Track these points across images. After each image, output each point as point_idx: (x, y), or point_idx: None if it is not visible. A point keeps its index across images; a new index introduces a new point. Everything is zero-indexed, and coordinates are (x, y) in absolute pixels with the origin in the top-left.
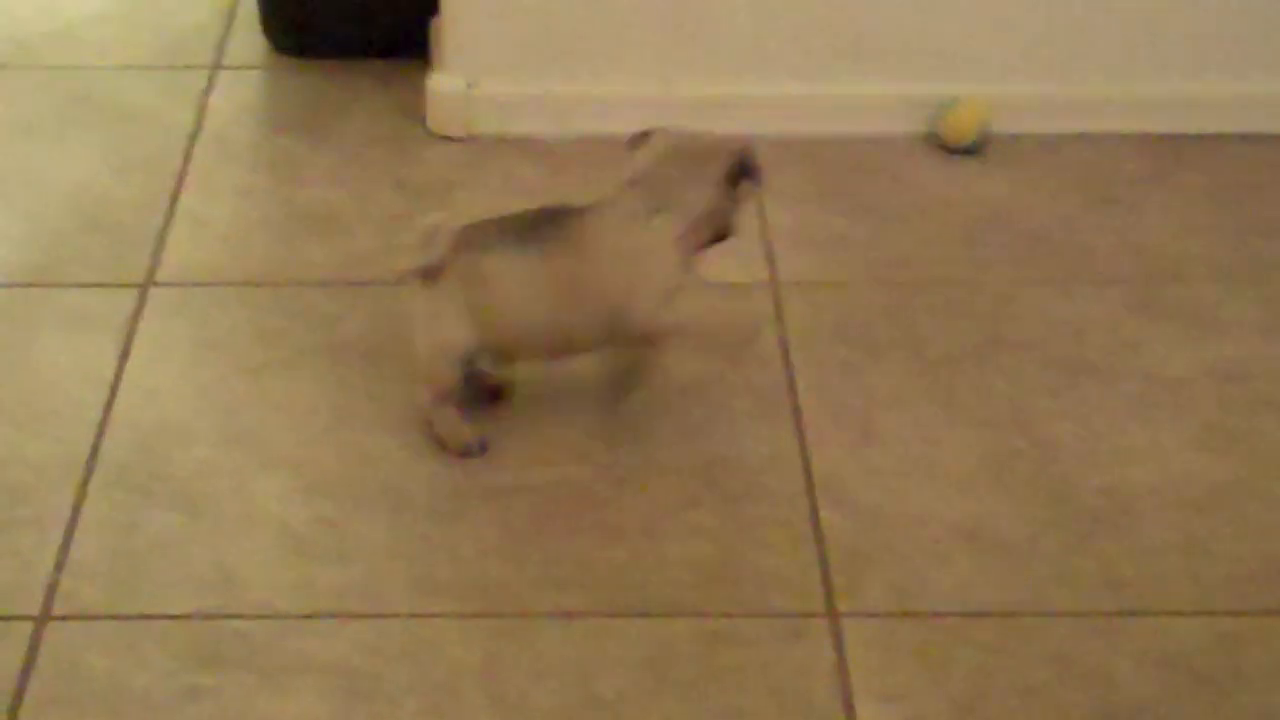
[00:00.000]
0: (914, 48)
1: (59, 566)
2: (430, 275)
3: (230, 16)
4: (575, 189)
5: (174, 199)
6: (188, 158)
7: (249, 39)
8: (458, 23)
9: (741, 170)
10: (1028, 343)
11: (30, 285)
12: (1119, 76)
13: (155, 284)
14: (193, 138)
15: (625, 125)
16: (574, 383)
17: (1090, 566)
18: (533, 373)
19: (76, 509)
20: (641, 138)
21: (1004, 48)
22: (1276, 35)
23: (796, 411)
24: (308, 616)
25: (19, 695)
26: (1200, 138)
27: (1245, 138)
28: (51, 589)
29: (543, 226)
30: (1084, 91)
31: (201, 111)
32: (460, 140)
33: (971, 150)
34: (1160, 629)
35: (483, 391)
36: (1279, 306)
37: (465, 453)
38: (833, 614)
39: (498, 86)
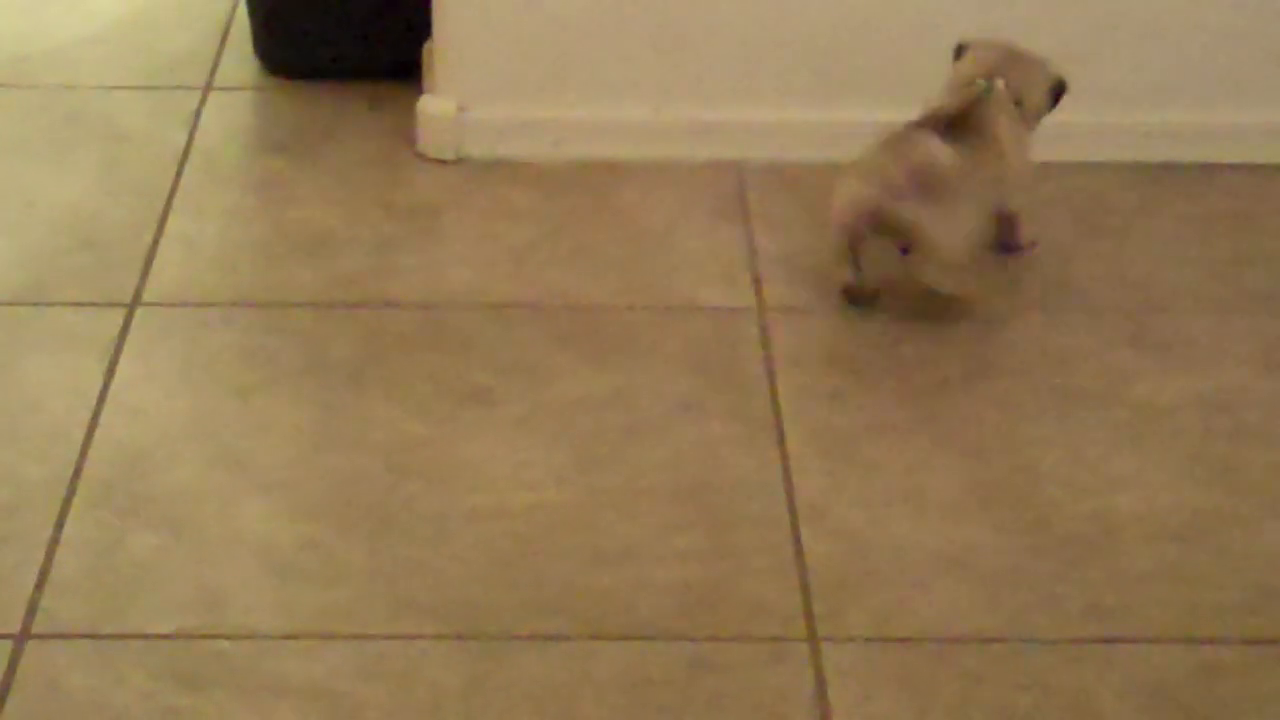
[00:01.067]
0: (902, 75)
1: (40, 585)
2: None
3: (223, 37)
4: (567, 214)
5: (163, 219)
6: (178, 178)
7: (241, 60)
8: (449, 46)
9: (1060, 87)
10: (1016, 370)
11: (18, 304)
12: (1111, 105)
13: (143, 304)
14: (183, 158)
15: (615, 150)
16: (554, 403)
17: (1074, 594)
18: (521, 393)
19: (59, 528)
20: (962, 49)
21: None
22: (1267, 66)
23: (781, 437)
24: (289, 638)
25: None
26: (1191, 167)
27: (1236, 167)
28: (32, 607)
29: (955, 127)
30: (1075, 120)
31: (193, 132)
32: (451, 163)
33: None
34: (1143, 657)
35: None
36: (1267, 338)
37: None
38: (814, 639)
39: (489, 110)
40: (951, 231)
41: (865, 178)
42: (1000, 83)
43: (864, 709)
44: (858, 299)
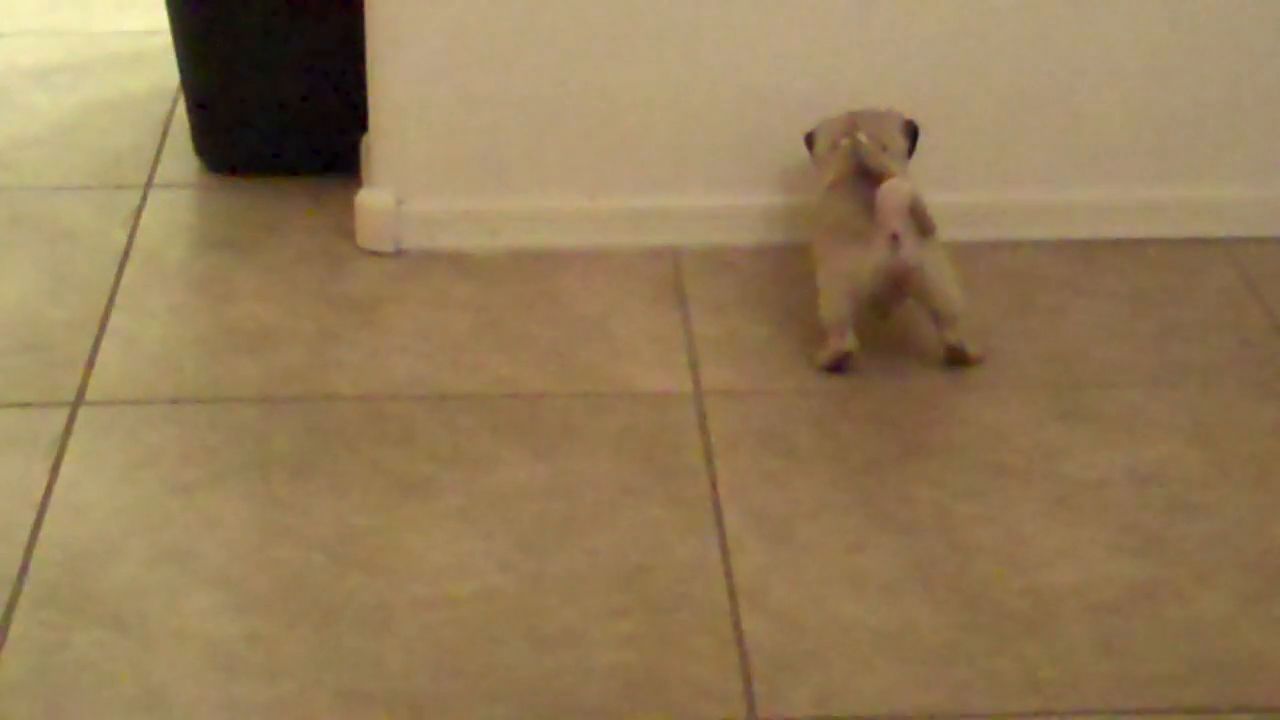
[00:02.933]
0: None
1: None
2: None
3: (163, 136)
4: (506, 303)
5: (105, 318)
6: (119, 276)
7: (181, 158)
8: (386, 140)
9: (912, 127)
10: (949, 448)
11: None
12: (1038, 184)
13: (86, 403)
14: (125, 256)
15: (553, 239)
16: (495, 492)
17: (1011, 668)
18: (463, 483)
19: (4, 629)
20: (811, 136)
21: (923, 157)
22: (1190, 142)
23: (719, 521)
24: None
25: None
26: (1119, 243)
27: (1162, 241)
28: None
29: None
30: (1003, 199)
31: (134, 230)
32: (390, 255)
33: None
34: None
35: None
36: (1196, 409)
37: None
38: None
39: (426, 202)
40: (954, 278)
41: (867, 239)
42: (862, 135)
43: None
44: (845, 365)
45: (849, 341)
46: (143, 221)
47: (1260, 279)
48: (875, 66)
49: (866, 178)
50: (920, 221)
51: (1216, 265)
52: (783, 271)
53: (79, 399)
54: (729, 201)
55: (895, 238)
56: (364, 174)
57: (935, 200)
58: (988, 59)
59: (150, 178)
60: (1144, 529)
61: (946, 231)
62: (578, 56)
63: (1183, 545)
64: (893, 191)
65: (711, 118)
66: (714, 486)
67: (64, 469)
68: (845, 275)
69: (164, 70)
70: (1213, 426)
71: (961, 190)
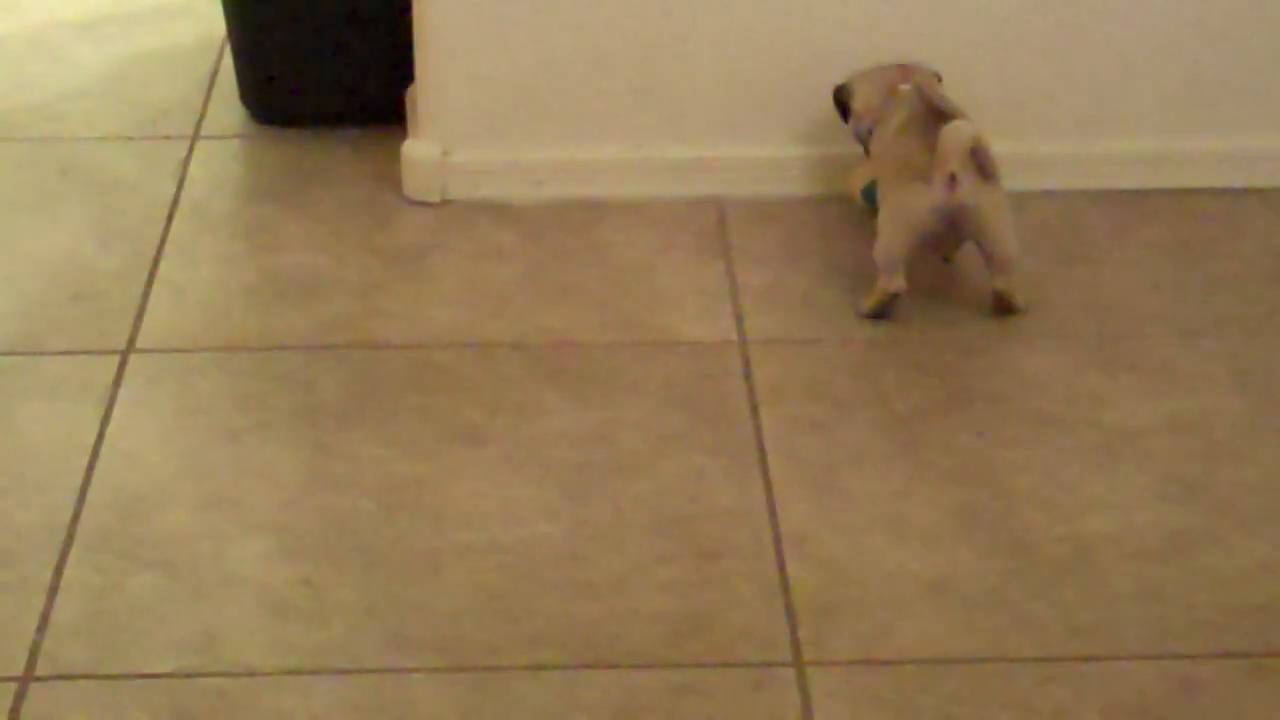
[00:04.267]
0: None
1: (41, 628)
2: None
3: (209, 87)
4: (550, 253)
5: (154, 267)
6: (168, 226)
7: (228, 109)
8: (432, 91)
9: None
10: (992, 397)
11: (13, 354)
12: (1081, 134)
13: (136, 350)
14: (173, 207)
15: (597, 189)
16: (541, 439)
17: (1052, 614)
18: (509, 431)
19: (58, 572)
20: (847, 90)
21: (967, 107)
22: (1233, 93)
23: (764, 468)
24: (286, 674)
25: None
26: (1161, 193)
27: (1205, 192)
28: (34, 650)
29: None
30: (1046, 149)
31: (181, 181)
32: (435, 205)
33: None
34: (1121, 674)
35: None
36: (1238, 360)
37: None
38: (799, 664)
39: (472, 153)
40: (1011, 225)
41: (928, 180)
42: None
43: None
44: (891, 307)
45: (898, 282)
46: (190, 172)
47: None
48: (916, 18)
49: (935, 118)
50: (982, 164)
51: (1259, 216)
52: (825, 223)
53: (129, 347)
54: (772, 153)
55: (954, 177)
56: (409, 125)
57: None
58: (1029, 8)
59: (197, 129)
60: (1185, 477)
61: None
62: (622, 7)
63: (1223, 493)
64: (955, 132)
65: (755, 69)
66: (758, 434)
67: (115, 416)
68: (904, 213)
69: (210, 21)
70: (1253, 376)
71: (1003, 140)
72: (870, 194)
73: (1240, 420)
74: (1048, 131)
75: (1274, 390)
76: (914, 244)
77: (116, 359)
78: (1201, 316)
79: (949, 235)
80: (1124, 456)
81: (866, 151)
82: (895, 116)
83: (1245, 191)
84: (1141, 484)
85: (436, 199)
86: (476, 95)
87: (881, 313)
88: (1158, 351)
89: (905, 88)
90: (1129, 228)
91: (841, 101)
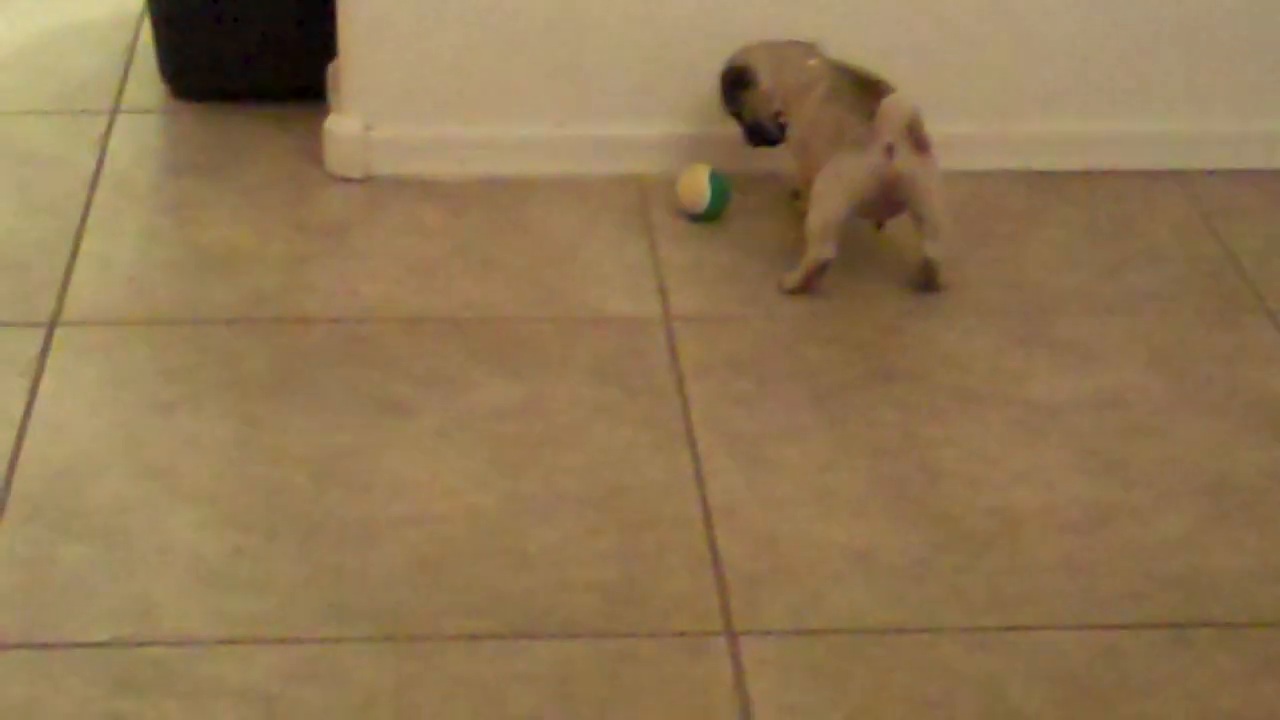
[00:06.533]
0: None
1: None
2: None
3: (128, 62)
4: (475, 229)
5: (78, 240)
6: (90, 200)
7: (147, 83)
8: (355, 66)
9: None
10: (913, 372)
11: None
12: (997, 116)
13: (62, 323)
14: (94, 180)
15: (521, 166)
16: (472, 413)
17: (978, 585)
18: (438, 404)
19: None
20: (745, 72)
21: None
22: (1147, 74)
23: (692, 441)
24: (223, 643)
25: None
26: (1076, 174)
27: (1121, 174)
28: None
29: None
30: (963, 130)
31: (102, 155)
32: (359, 181)
33: (706, 216)
34: (1047, 643)
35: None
36: (1152, 337)
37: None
38: (731, 634)
39: (395, 129)
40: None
41: (865, 147)
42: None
43: (782, 698)
44: (820, 276)
45: (829, 250)
46: (111, 146)
47: (1214, 210)
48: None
49: (862, 89)
50: (917, 137)
51: (1171, 197)
52: (747, 200)
53: (55, 320)
54: (695, 130)
55: (890, 147)
56: (332, 100)
57: None
58: None
59: (116, 103)
60: (1105, 452)
61: None
62: None
63: (1143, 467)
64: (895, 105)
65: (678, 48)
66: (685, 408)
67: (43, 388)
68: (842, 180)
69: None
70: (1169, 353)
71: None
72: (700, 218)
73: (1157, 396)
74: (965, 112)
75: (1189, 367)
76: (850, 210)
77: (42, 331)
78: (1118, 294)
79: (884, 204)
80: (1045, 432)
81: (749, 133)
82: (815, 89)
83: (1161, 174)
84: (1063, 459)
85: (360, 174)
86: (400, 71)
87: (809, 284)
88: (1075, 328)
89: (814, 62)
90: (1046, 208)
91: (741, 81)
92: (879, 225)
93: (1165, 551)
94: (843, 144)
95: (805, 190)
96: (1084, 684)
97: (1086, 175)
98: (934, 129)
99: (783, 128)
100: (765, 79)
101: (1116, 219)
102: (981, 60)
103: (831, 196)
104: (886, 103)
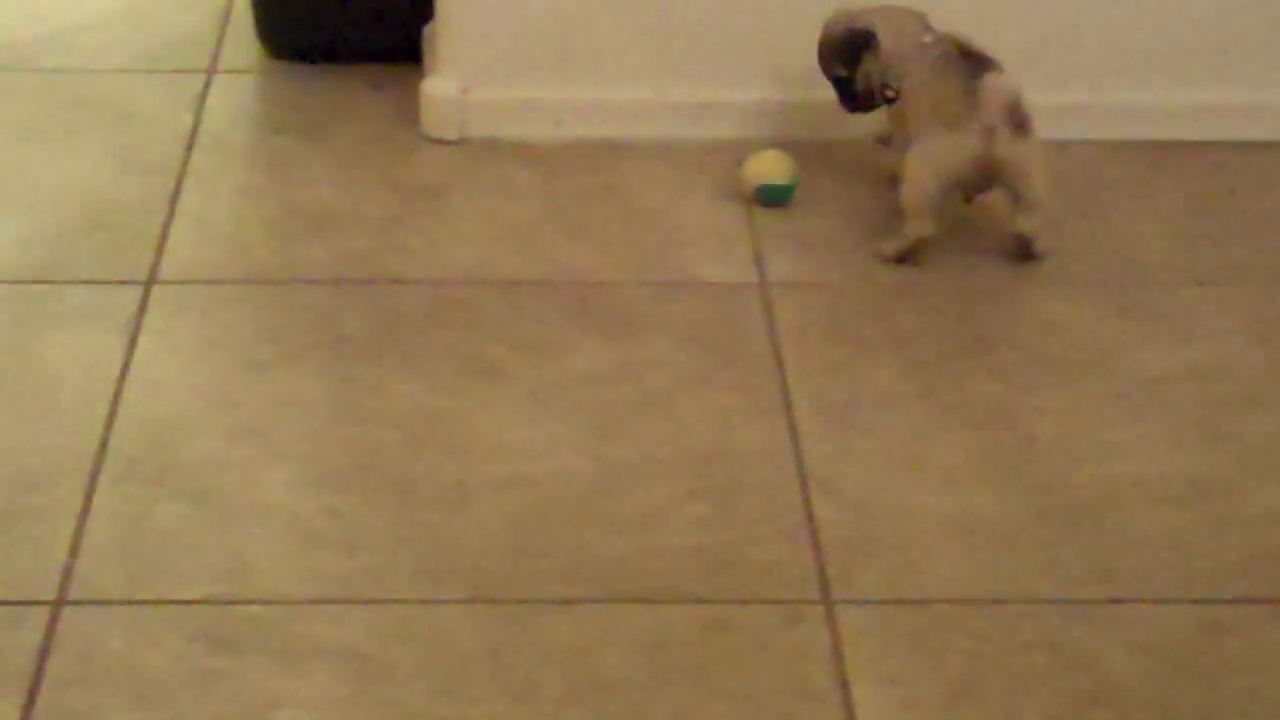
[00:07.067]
0: None
1: (73, 554)
2: None
3: (224, 22)
4: (570, 193)
5: (174, 199)
6: (187, 159)
7: (244, 43)
8: (452, 28)
9: None
10: (1011, 342)
11: (36, 282)
12: (1098, 85)
13: (158, 282)
14: (191, 139)
15: (616, 130)
16: (566, 376)
17: (1077, 557)
18: (532, 367)
19: (88, 499)
20: (867, 35)
21: None
22: (1252, 45)
23: (788, 408)
24: (317, 602)
25: (38, 677)
26: (1179, 144)
27: (1222, 144)
28: (66, 575)
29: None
30: (1063, 100)
31: (199, 114)
32: (454, 143)
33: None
34: (1147, 617)
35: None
36: (1255, 309)
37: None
38: (828, 601)
39: (491, 91)
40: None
41: (964, 128)
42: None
43: (879, 668)
44: (918, 253)
45: (928, 227)
46: (208, 105)
47: None
48: None
49: (968, 64)
50: (1017, 118)
51: (1275, 169)
52: (842, 166)
53: (152, 278)
54: (792, 96)
55: (990, 130)
56: (428, 62)
57: None
58: None
59: (213, 63)
60: (1205, 424)
61: None
62: None
63: (1244, 440)
64: (997, 86)
65: (776, 13)
66: (781, 375)
67: (140, 346)
68: (937, 160)
69: None
70: (1271, 325)
71: (1025, 90)
72: (764, 191)
73: (1258, 369)
74: (1065, 82)
75: None
76: (945, 189)
77: (140, 289)
78: (1219, 266)
79: (979, 183)
80: (1144, 403)
81: (855, 98)
82: (924, 61)
83: (1264, 145)
84: (1162, 430)
85: (455, 136)
86: (497, 32)
87: (905, 257)
88: (1176, 300)
89: (928, 38)
90: (1147, 179)
91: (863, 44)
92: (968, 200)
93: (1266, 525)
94: (941, 122)
95: (898, 150)
96: (1184, 658)
97: (1187, 145)
98: (1033, 99)
99: (889, 98)
100: (888, 42)
101: (1218, 190)
102: (1081, 28)
103: (926, 175)
104: (989, 83)
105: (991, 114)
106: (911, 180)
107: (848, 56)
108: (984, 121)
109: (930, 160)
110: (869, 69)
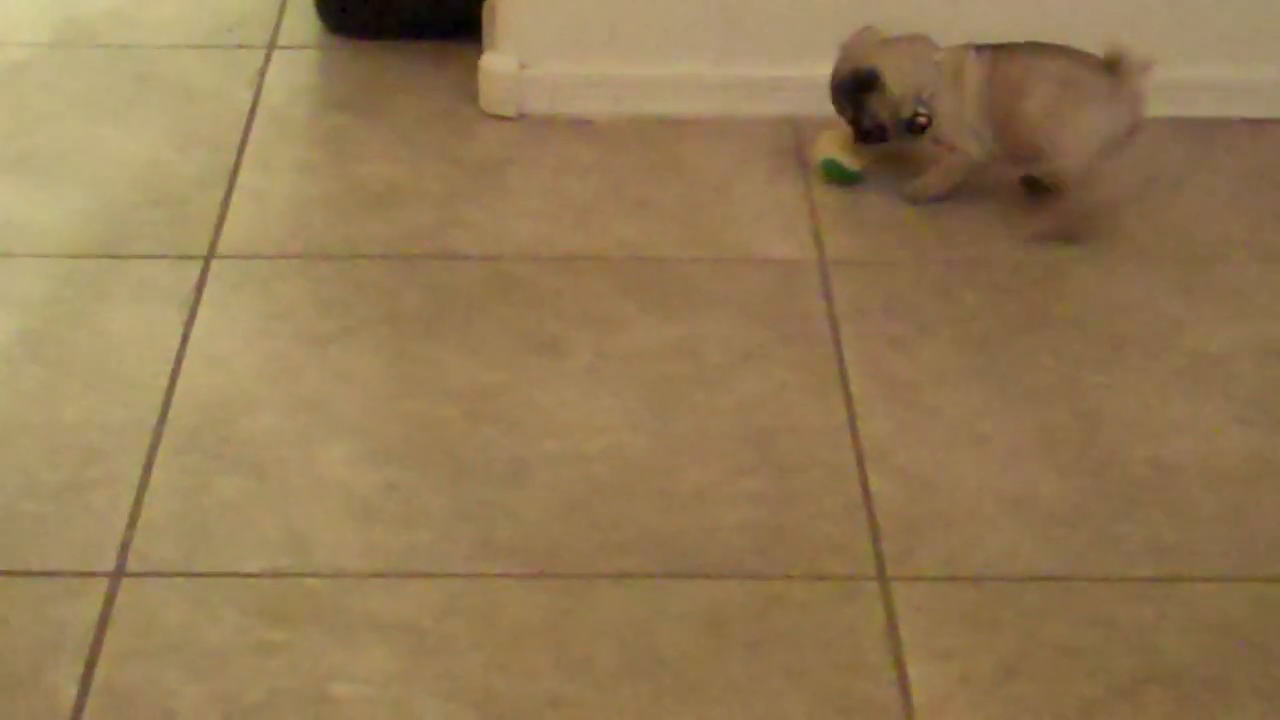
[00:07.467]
0: (956, 32)
1: (131, 525)
2: None
3: None
4: (628, 168)
5: (234, 174)
6: (246, 134)
7: (302, 20)
8: (510, 4)
9: None
10: (1070, 319)
11: (96, 256)
12: (1159, 61)
13: (218, 256)
14: (251, 115)
15: (674, 106)
16: (623, 352)
17: (1134, 534)
18: (590, 343)
19: (147, 471)
20: (870, 76)
21: (1042, 34)
22: None
23: (845, 384)
24: (375, 576)
25: (97, 647)
26: (1239, 122)
27: None
28: (125, 547)
29: None
30: None
31: (258, 90)
32: (512, 119)
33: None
34: (1204, 595)
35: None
36: None
37: None
38: (883, 578)
39: (549, 67)
40: None
41: (1113, 99)
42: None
43: (934, 644)
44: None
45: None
46: (267, 81)
47: None
48: None
49: (1045, 51)
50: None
51: None
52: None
53: (211, 252)
54: None
55: (1139, 95)
56: (487, 38)
57: None
58: None
59: (272, 39)
60: (1266, 402)
61: None
62: None
63: None
64: (1139, 56)
65: None
66: (839, 351)
67: (199, 320)
68: (1095, 131)
69: None
70: None
71: None
72: (831, 166)
73: None
74: None
75: None
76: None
77: (199, 264)
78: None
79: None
80: (1205, 380)
81: (868, 135)
82: (966, 73)
83: None
84: (1223, 408)
85: (513, 113)
86: (555, 8)
87: (1079, 235)
88: (1237, 277)
89: (939, 56)
90: (1208, 156)
91: (868, 85)
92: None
93: None
94: (1083, 97)
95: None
96: (1240, 637)
97: (1249, 123)
98: None
99: (922, 126)
100: (893, 83)
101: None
102: (1142, 5)
103: (1088, 148)
104: (1132, 55)
105: (1140, 80)
106: (1073, 153)
107: (851, 96)
108: (1134, 89)
109: (1089, 133)
110: (874, 106)
